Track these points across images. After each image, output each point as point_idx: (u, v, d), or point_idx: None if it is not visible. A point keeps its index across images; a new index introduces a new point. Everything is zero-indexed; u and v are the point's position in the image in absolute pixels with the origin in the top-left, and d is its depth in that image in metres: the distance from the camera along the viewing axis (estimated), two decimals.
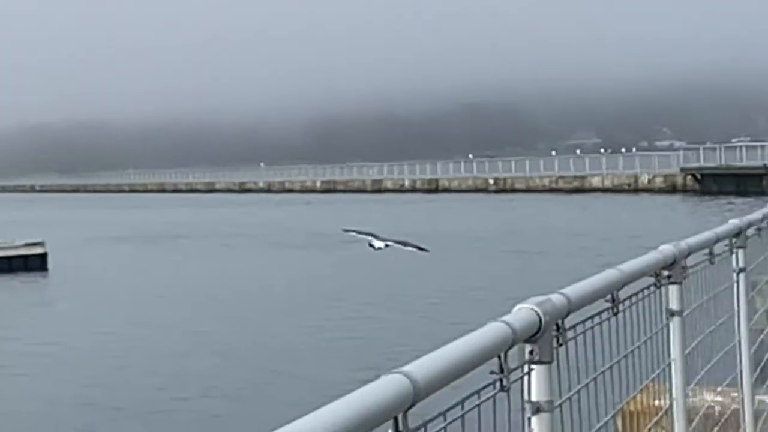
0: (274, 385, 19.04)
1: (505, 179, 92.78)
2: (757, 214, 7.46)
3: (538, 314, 2.98)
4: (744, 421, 6.31)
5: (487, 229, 50.68)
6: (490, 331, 2.71)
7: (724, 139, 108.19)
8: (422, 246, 18.90)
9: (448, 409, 2.47)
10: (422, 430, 2.33)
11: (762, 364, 7.49)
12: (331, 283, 33.17)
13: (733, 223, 6.42)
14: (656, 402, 4.82)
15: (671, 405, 4.73)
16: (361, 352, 21.07)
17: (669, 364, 4.73)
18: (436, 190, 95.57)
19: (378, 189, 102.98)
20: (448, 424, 2.44)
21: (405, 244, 18.92)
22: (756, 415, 6.75)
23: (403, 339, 21.50)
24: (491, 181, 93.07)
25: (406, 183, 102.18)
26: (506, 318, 2.83)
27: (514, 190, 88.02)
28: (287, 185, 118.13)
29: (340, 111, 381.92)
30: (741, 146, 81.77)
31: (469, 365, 2.52)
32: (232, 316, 27.43)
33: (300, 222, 61.99)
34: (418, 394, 2.22)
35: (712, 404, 6.11)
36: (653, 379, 4.68)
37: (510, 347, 2.78)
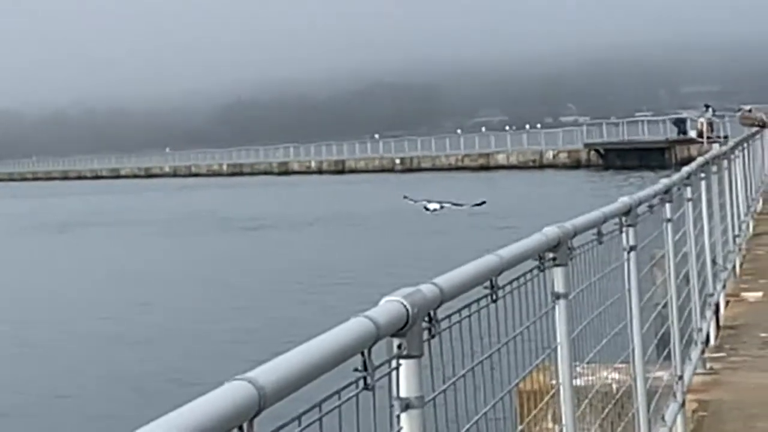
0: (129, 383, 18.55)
1: (411, 159, 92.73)
2: (648, 191, 7.46)
3: (405, 306, 2.87)
4: (637, 399, 6.30)
5: (389, 209, 50.75)
6: (351, 328, 2.59)
7: (628, 113, 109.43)
8: (477, 202, 18.80)
9: (304, 413, 2.36)
10: None
11: (657, 338, 7.52)
12: (228, 270, 32.94)
13: (623, 201, 6.39)
14: (553, 381, 4.78)
15: (558, 388, 4.67)
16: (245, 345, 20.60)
17: (555, 348, 4.67)
18: (342, 171, 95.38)
19: (285, 171, 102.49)
20: (304, 429, 2.33)
21: (459, 204, 18.87)
22: (652, 391, 6.76)
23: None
24: (398, 161, 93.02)
25: (313, 164, 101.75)
26: (370, 312, 2.72)
27: (420, 169, 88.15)
28: (193, 169, 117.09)
29: (246, 95, 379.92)
30: (643, 121, 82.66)
31: (325, 366, 2.40)
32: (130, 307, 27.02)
33: (203, 207, 61.45)
34: (264, 400, 2.09)
35: (609, 381, 6.09)
36: (546, 361, 4.63)
37: (374, 343, 2.67)
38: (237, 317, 24.48)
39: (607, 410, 5.92)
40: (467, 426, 3.45)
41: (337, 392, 2.53)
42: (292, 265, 32.96)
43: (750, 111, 27.68)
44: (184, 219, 54.15)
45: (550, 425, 5.18)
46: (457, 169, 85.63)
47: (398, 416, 2.93)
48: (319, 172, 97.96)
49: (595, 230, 5.57)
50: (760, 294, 13.36)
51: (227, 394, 2.03)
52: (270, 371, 2.17)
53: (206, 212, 56.97)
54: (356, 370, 2.65)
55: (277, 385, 2.15)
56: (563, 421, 4.68)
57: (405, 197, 20.02)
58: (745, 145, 20.09)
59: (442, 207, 18.43)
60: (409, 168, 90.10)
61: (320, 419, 2.40)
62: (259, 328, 22.47)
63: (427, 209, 18.18)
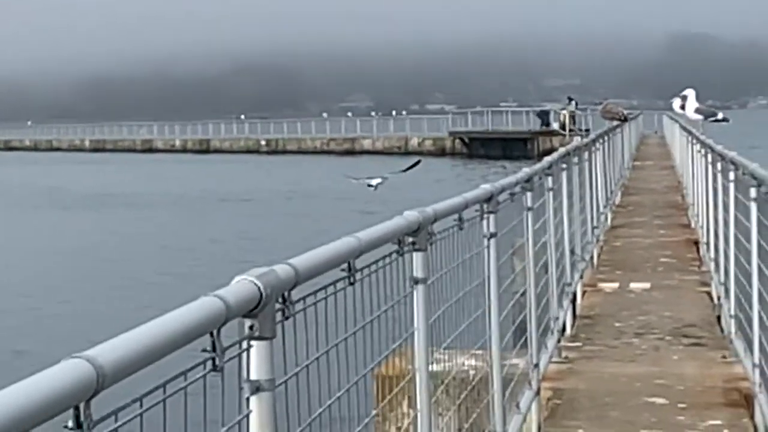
0: None
1: (277, 140, 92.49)
2: (510, 179, 7.44)
3: (257, 286, 2.78)
4: (493, 386, 6.30)
5: (252, 190, 50.55)
6: (199, 307, 2.49)
7: (493, 104, 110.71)
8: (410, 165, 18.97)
9: (146, 394, 2.25)
10: (112, 419, 2.11)
11: (515, 325, 7.54)
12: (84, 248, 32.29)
13: (484, 188, 6.36)
14: (411, 366, 4.74)
15: (414, 373, 4.63)
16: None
17: (412, 333, 4.62)
18: (207, 151, 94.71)
19: (149, 149, 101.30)
20: (146, 410, 2.22)
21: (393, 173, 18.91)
22: (508, 378, 6.78)
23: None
24: (263, 143, 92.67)
25: (177, 143, 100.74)
26: (220, 291, 2.62)
27: (285, 152, 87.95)
28: (55, 144, 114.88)
29: (111, 70, 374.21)
30: (508, 111, 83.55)
31: (171, 345, 2.29)
32: None
33: (61, 182, 60.13)
34: (103, 380, 1.98)
35: (466, 368, 6.09)
36: (405, 345, 4.58)
37: (224, 323, 2.58)
38: (83, 295, 23.88)
39: (463, 396, 5.92)
40: (320, 410, 3.38)
41: (182, 373, 2.43)
42: (146, 244, 32.48)
43: (608, 102, 28.13)
44: (38, 194, 52.94)
45: (406, 410, 5.14)
46: (323, 152, 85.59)
47: (248, 399, 2.85)
48: (184, 150, 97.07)
49: (456, 216, 5.54)
50: (616, 285, 13.57)
51: (62, 373, 1.92)
52: (110, 350, 2.06)
53: (64, 187, 55.83)
54: (204, 350, 2.55)
55: (117, 364, 2.04)
56: (418, 407, 4.64)
57: (347, 176, 20.00)
58: (606, 138, 20.40)
59: (384, 180, 18.47)
60: (275, 150, 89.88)
61: (164, 401, 2.31)
62: (107, 308, 21.83)
63: (370, 186, 18.13)
